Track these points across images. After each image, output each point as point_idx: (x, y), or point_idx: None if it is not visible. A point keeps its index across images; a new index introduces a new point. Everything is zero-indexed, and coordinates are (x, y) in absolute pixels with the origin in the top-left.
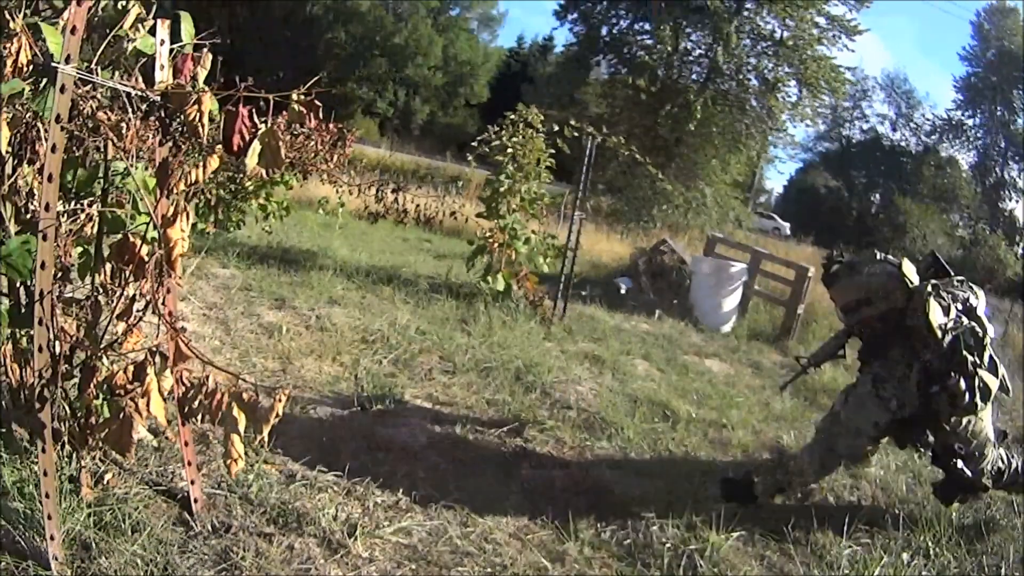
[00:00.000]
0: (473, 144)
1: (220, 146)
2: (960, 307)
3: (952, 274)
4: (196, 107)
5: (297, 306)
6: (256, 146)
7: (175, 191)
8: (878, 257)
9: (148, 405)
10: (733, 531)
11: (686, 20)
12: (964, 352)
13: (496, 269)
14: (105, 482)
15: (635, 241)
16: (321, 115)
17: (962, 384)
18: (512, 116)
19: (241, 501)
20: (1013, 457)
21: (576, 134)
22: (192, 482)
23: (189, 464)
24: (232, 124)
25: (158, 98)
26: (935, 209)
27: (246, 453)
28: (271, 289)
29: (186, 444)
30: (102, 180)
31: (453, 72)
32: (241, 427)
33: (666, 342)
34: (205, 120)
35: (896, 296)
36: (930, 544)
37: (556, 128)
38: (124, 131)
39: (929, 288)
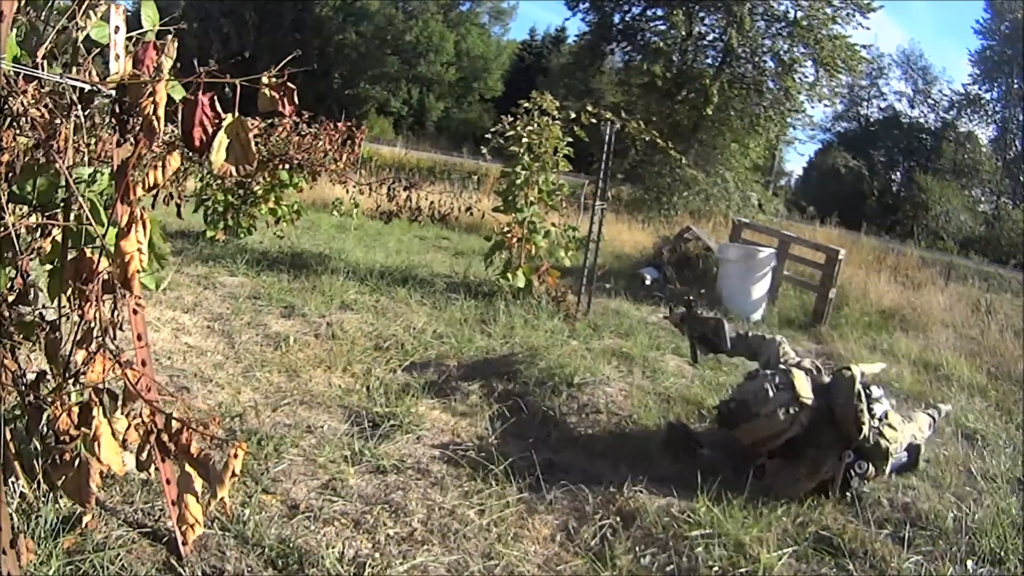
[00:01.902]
0: (487, 136)
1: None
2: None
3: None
4: (150, 98)
5: (307, 313)
6: (222, 139)
7: (132, 197)
8: (769, 377)
9: (99, 451)
10: (785, 547)
11: (699, 4)
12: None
13: (516, 265)
14: (83, 525)
15: (657, 230)
16: (296, 100)
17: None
18: (526, 104)
19: (236, 540)
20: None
21: (594, 120)
22: (179, 523)
23: (174, 503)
24: (192, 115)
25: (112, 92)
26: (956, 185)
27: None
28: (280, 296)
29: (168, 482)
30: (64, 189)
31: (466, 67)
32: (197, 485)
33: None
34: (160, 113)
35: (801, 419)
36: (995, 547)
37: (573, 116)
38: (59, 130)
39: (862, 406)
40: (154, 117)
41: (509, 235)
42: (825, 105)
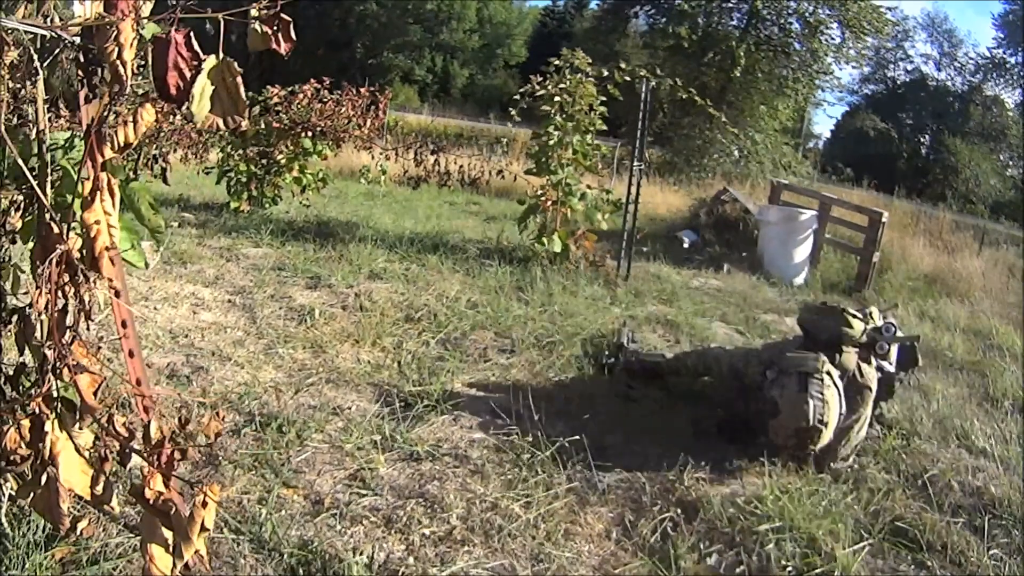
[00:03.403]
0: (515, 97)
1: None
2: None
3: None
4: (115, 41)
5: (333, 284)
6: (204, 85)
7: (98, 159)
8: (799, 388)
9: (59, 472)
10: (859, 541)
11: None
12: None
13: (551, 229)
14: (79, 532)
15: (691, 192)
16: (294, 35)
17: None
18: (557, 62)
19: (252, 545)
20: None
21: (628, 78)
22: None
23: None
24: (164, 57)
25: (76, 39)
26: (984, 149)
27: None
28: (305, 267)
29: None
30: (36, 158)
31: (489, 34)
32: (167, 532)
33: (741, 300)
34: (126, 56)
35: (841, 385)
36: None
37: (606, 73)
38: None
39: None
40: (119, 62)
41: (543, 198)
42: (852, 67)
